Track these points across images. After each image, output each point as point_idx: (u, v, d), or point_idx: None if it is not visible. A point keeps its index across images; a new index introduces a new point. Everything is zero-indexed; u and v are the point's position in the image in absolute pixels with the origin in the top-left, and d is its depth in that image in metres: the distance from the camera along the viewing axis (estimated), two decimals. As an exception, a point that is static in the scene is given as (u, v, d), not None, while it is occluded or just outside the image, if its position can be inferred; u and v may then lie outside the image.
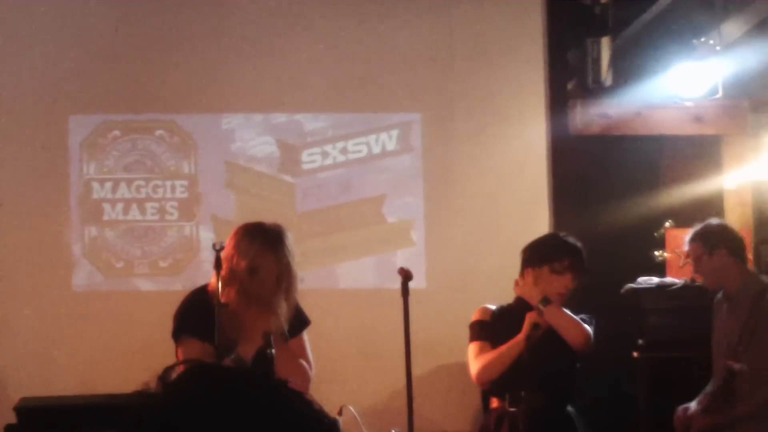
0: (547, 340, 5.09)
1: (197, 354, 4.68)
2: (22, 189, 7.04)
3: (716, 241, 5.71)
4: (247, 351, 4.74)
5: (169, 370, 3.19)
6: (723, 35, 7.49)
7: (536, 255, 5.29)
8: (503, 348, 5.11)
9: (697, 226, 5.89)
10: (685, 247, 5.90)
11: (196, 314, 4.83)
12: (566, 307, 5.30)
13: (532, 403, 5.00)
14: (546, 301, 5.09)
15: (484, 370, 5.14)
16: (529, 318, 5.12)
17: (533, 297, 5.15)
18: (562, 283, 5.21)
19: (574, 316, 5.18)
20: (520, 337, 5.07)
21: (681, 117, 7.88)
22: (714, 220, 5.98)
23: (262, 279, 4.85)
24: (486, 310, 5.33)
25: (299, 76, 7.25)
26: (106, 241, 7.08)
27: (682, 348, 6.67)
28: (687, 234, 5.89)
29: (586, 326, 5.19)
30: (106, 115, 7.15)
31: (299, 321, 5.03)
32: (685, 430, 5.70)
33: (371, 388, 6.86)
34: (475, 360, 5.19)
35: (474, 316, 5.33)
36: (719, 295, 5.94)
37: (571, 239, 5.42)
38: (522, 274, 5.29)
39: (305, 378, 4.93)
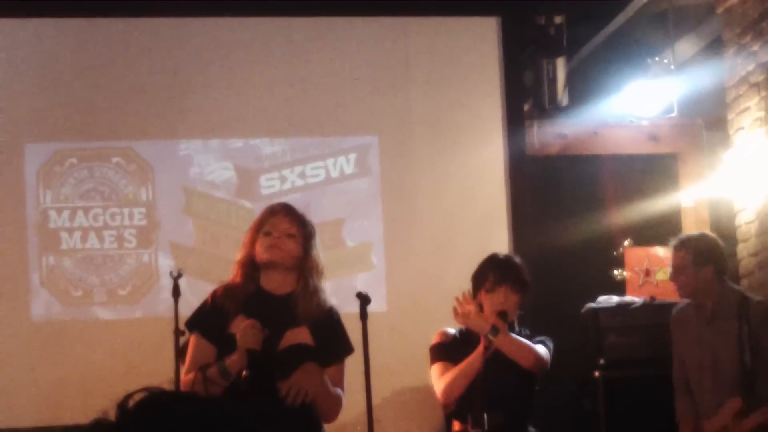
0: (504, 360, 5.10)
1: (198, 352, 4.59)
2: (-22, 219, 6.99)
3: (706, 259, 5.74)
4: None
5: (129, 397, 3.15)
6: (677, 54, 7.55)
7: (473, 282, 5.33)
8: (464, 363, 5.12)
9: (687, 235, 5.94)
10: (670, 247, 5.90)
11: (209, 310, 4.69)
12: (523, 325, 5.33)
13: (494, 423, 5.00)
14: (495, 330, 5.08)
15: (448, 387, 5.15)
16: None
17: (481, 327, 5.13)
18: (497, 299, 5.20)
19: (524, 340, 5.18)
20: (479, 349, 5.08)
21: (637, 136, 7.94)
22: (704, 234, 6.02)
23: (276, 236, 4.64)
24: (445, 332, 5.34)
25: (256, 100, 7.25)
26: (64, 269, 7.03)
27: (642, 367, 6.69)
28: (673, 240, 5.90)
29: (540, 348, 5.20)
30: (62, 142, 7.11)
31: (340, 347, 4.74)
32: None
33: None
34: (439, 380, 5.20)
35: (434, 339, 5.34)
36: (678, 307, 5.97)
37: (501, 255, 5.43)
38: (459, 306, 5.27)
39: (335, 409, 4.68)
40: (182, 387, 4.52)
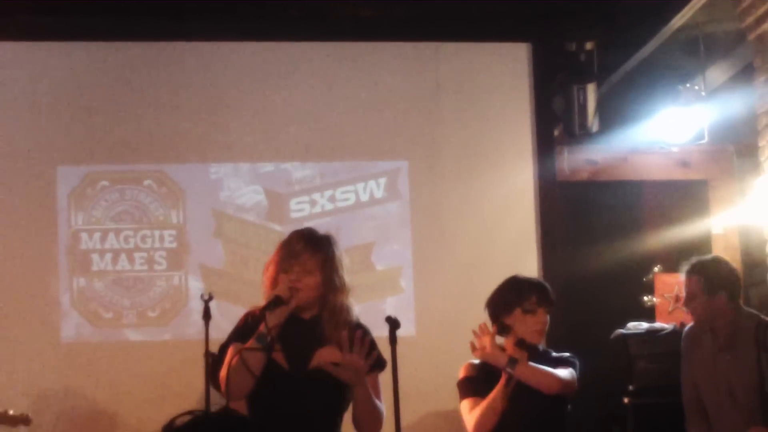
0: (532, 389, 5.05)
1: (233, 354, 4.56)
2: (10, 240, 7.03)
3: (717, 285, 5.66)
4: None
5: (174, 420, 3.17)
6: (708, 81, 7.55)
7: (503, 302, 5.22)
8: (488, 399, 5.07)
9: (699, 259, 5.83)
10: (681, 276, 5.85)
11: (242, 328, 4.66)
12: (549, 347, 5.28)
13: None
14: (513, 362, 5.03)
15: (479, 422, 5.09)
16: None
17: (498, 360, 5.08)
18: (536, 319, 5.14)
19: (544, 368, 5.11)
20: (501, 383, 5.04)
21: (667, 162, 7.94)
22: (716, 258, 5.93)
23: (295, 278, 4.60)
24: (471, 365, 5.26)
25: (287, 125, 7.28)
26: (95, 291, 7.07)
27: (672, 393, 6.65)
28: (685, 265, 5.83)
29: (562, 372, 5.13)
30: (94, 165, 7.16)
31: (374, 361, 4.68)
32: None
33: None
34: (470, 415, 5.15)
35: (460, 374, 5.27)
36: (690, 326, 5.93)
37: (532, 277, 5.40)
38: (491, 330, 5.20)
39: (376, 423, 4.66)
40: (221, 382, 4.52)
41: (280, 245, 4.75)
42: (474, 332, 5.14)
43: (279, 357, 4.58)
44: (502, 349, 5.10)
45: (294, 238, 4.75)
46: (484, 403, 5.06)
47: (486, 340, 5.09)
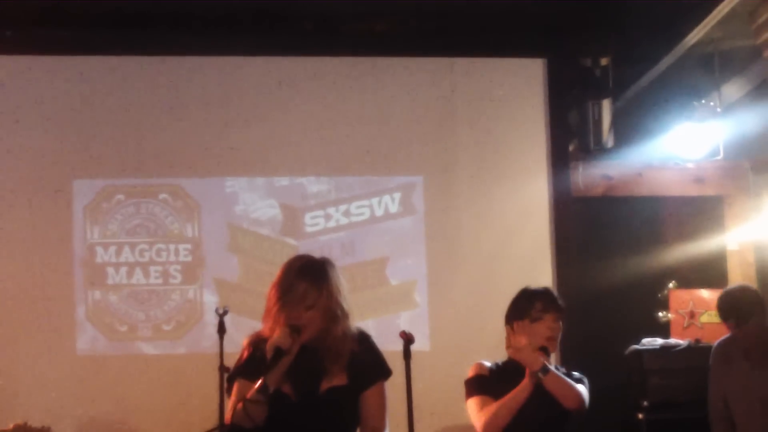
0: (541, 396, 5.05)
1: (242, 393, 4.51)
2: (26, 253, 7.06)
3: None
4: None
5: None
6: (723, 97, 7.54)
7: (512, 314, 5.24)
8: (508, 397, 5.05)
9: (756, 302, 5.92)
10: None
11: (248, 358, 4.66)
12: (564, 361, 5.27)
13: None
14: (545, 368, 5.03)
15: (491, 420, 5.08)
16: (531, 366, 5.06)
17: (533, 363, 5.06)
18: (544, 326, 5.13)
19: (569, 380, 5.11)
20: (525, 384, 5.03)
21: (682, 178, 7.93)
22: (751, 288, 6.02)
23: (295, 315, 4.57)
24: (482, 365, 5.26)
25: (302, 139, 7.30)
26: (110, 304, 7.09)
27: (686, 409, 6.66)
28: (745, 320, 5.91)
29: (582, 388, 5.14)
30: (109, 179, 7.18)
31: (374, 369, 4.71)
32: None
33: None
34: (480, 413, 5.13)
35: (470, 372, 5.26)
36: (722, 341, 5.93)
37: (539, 287, 5.36)
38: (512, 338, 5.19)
39: None
40: (225, 424, 4.53)
41: (278, 281, 4.68)
42: (508, 328, 5.13)
43: (285, 387, 4.59)
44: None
45: (294, 277, 4.67)
46: (501, 402, 5.04)
47: (523, 340, 5.07)
